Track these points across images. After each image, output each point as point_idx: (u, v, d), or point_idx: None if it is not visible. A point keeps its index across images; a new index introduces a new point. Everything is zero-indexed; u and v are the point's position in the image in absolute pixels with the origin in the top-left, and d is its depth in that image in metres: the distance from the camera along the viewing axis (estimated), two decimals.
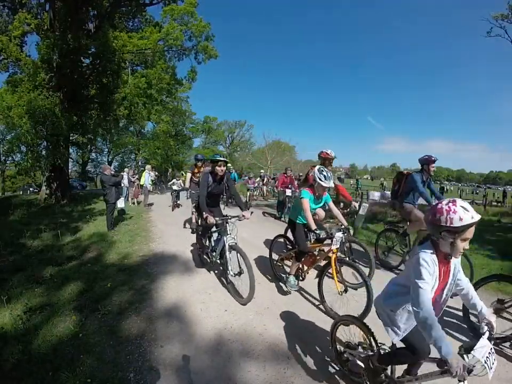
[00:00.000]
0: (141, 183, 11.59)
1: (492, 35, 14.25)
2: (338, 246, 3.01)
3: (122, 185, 10.00)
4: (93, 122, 11.97)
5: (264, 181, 16.29)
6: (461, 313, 2.87)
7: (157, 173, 17.98)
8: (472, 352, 1.34)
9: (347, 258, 3.75)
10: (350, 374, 2.08)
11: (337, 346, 2.17)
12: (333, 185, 3.63)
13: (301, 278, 3.56)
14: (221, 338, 2.59)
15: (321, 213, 4.34)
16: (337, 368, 2.22)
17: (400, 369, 1.79)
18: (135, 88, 12.20)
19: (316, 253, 3.50)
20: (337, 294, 2.91)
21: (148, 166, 12.48)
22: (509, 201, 20.11)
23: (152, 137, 31.42)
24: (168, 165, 33.97)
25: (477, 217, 1.32)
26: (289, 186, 8.77)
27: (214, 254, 3.90)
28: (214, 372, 2.18)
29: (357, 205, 5.15)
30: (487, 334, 1.43)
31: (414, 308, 1.37)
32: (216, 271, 4.20)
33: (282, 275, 3.86)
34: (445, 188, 28.24)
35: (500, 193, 23.79)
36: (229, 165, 12.39)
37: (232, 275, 3.44)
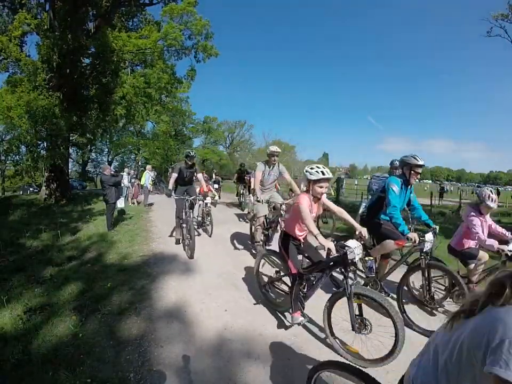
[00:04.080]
0: (141, 183, 11.60)
1: (492, 35, 14.28)
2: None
3: (122, 185, 9.99)
4: (93, 123, 11.98)
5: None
6: None
7: (155, 172, 17.91)
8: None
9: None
10: None
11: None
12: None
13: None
14: (221, 339, 2.59)
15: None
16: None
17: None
18: (134, 87, 12.20)
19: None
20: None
21: (148, 166, 12.50)
22: (509, 201, 20.09)
23: (152, 137, 31.45)
24: (168, 165, 33.96)
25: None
26: None
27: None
28: (214, 372, 2.18)
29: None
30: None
31: None
32: (216, 271, 4.19)
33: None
34: (445, 188, 28.22)
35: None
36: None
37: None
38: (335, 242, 2.25)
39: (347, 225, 4.38)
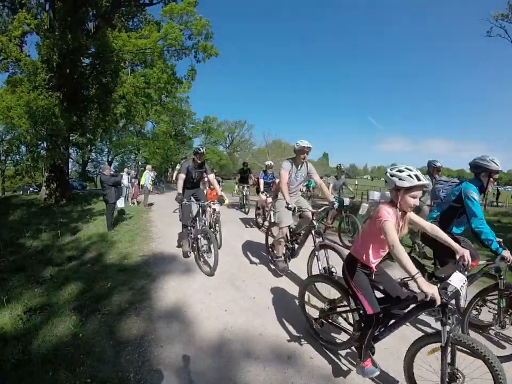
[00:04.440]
0: (141, 183, 11.61)
1: (492, 35, 14.29)
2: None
3: (122, 185, 10.00)
4: (93, 123, 11.99)
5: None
6: None
7: (155, 172, 17.92)
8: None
9: None
10: None
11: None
12: None
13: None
14: (221, 339, 2.59)
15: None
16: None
17: None
18: (134, 87, 12.21)
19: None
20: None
21: (148, 166, 12.50)
22: (509, 201, 20.10)
23: (152, 137, 31.48)
24: (168, 165, 34.00)
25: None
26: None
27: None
28: (214, 372, 2.18)
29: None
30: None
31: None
32: (216, 272, 4.19)
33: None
34: None
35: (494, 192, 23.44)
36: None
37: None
38: (438, 284, 1.65)
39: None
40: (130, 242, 5.65)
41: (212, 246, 3.93)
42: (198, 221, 4.25)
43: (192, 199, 4.63)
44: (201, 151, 4.61)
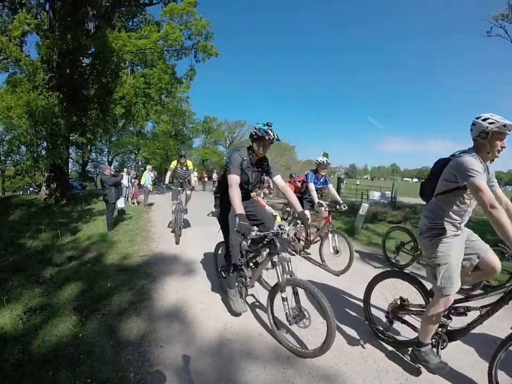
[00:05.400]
0: (141, 183, 11.62)
1: (492, 35, 14.30)
2: None
3: (122, 185, 10.00)
4: (93, 123, 12.00)
5: None
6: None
7: (155, 172, 17.89)
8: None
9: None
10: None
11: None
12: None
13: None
14: (221, 339, 2.58)
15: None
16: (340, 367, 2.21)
17: None
18: (134, 88, 12.21)
19: None
20: None
21: (149, 166, 12.51)
22: None
23: (152, 137, 31.53)
24: (168, 165, 34.02)
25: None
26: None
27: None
28: (214, 372, 2.17)
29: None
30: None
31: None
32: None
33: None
34: None
35: None
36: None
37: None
38: None
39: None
40: (130, 242, 5.65)
41: (323, 308, 2.09)
42: (280, 267, 2.36)
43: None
44: (271, 135, 2.48)
